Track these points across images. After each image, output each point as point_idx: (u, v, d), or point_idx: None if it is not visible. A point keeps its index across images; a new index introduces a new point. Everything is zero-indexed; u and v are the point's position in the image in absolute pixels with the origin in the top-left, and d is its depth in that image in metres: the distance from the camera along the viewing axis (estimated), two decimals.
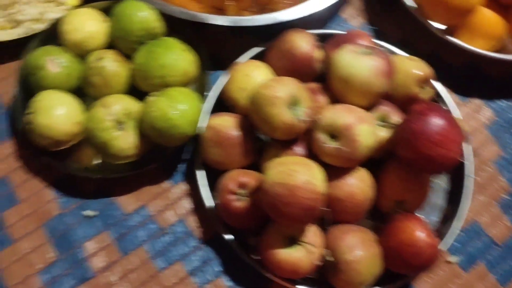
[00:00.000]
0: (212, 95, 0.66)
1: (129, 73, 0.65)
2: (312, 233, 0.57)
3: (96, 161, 0.65)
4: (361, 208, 0.59)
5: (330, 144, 0.56)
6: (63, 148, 0.64)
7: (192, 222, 0.65)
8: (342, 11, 0.77)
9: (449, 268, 0.64)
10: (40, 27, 0.70)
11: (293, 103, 0.56)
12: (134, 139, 0.62)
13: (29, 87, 0.65)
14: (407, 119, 0.57)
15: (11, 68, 0.72)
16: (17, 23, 0.70)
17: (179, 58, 0.63)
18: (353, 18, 0.77)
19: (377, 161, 0.61)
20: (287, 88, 0.56)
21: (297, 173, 0.52)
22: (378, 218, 0.62)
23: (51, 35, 0.69)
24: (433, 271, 0.63)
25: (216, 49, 0.73)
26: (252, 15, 0.69)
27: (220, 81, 0.66)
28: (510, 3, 0.71)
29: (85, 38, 0.65)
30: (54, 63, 0.64)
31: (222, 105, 0.65)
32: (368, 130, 0.56)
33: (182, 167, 0.68)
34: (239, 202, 0.58)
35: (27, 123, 0.61)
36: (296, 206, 0.52)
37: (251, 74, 0.62)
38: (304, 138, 0.60)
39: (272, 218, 0.55)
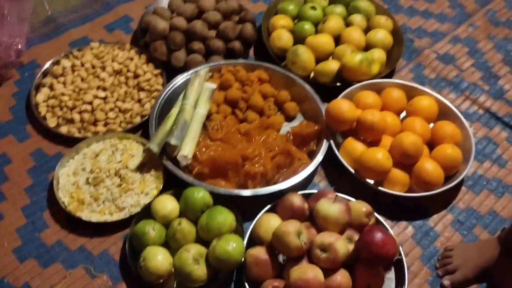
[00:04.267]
0: (246, 236, 1.10)
1: (195, 230, 1.09)
2: None
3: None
4: None
5: (322, 255, 0.99)
6: (160, 282, 1.03)
7: None
8: (314, 179, 1.27)
9: None
10: (136, 210, 1.14)
11: (298, 234, 1.00)
12: (205, 269, 1.02)
13: (136, 245, 1.07)
14: (362, 235, 1.01)
15: (118, 235, 1.14)
16: (122, 209, 1.14)
17: (227, 217, 1.07)
18: (321, 182, 1.26)
19: (349, 265, 1.03)
20: (294, 226, 1.00)
21: (308, 272, 0.94)
22: None
23: (143, 213, 1.13)
24: None
25: (243, 208, 1.17)
26: (262, 186, 1.17)
27: (250, 227, 1.10)
28: (410, 164, 1.22)
29: (168, 213, 1.09)
30: (152, 229, 1.06)
31: (252, 240, 1.08)
32: (342, 244, 1.00)
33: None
34: None
35: (140, 267, 1.02)
36: None
37: (270, 221, 1.07)
38: (306, 255, 1.03)
39: None
